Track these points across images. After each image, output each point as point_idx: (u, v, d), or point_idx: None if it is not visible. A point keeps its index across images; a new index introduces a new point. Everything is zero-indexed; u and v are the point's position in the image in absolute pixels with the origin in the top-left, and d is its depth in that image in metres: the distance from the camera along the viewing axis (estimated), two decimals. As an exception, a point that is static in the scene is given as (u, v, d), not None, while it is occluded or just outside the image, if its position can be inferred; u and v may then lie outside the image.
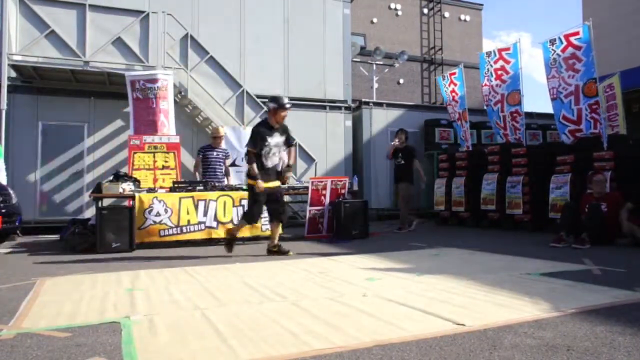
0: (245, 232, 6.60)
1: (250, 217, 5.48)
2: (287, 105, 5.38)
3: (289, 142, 5.52)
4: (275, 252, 5.49)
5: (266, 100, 10.03)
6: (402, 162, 8.28)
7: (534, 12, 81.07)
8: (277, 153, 5.39)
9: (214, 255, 5.52)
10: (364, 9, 20.83)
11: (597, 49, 7.33)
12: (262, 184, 5.20)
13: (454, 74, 9.97)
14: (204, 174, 7.56)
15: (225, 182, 7.51)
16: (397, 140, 8.40)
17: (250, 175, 5.34)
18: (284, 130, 5.48)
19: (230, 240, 5.55)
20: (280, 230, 5.69)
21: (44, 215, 8.81)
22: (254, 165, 5.24)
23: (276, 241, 5.55)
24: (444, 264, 4.61)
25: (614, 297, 3.03)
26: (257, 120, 9.86)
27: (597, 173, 6.38)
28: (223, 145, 8.05)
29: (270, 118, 5.39)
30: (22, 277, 4.15)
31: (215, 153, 7.57)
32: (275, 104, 5.32)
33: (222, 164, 7.63)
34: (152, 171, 7.89)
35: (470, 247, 5.81)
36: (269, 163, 5.35)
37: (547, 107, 37.28)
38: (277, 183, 5.45)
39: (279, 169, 5.45)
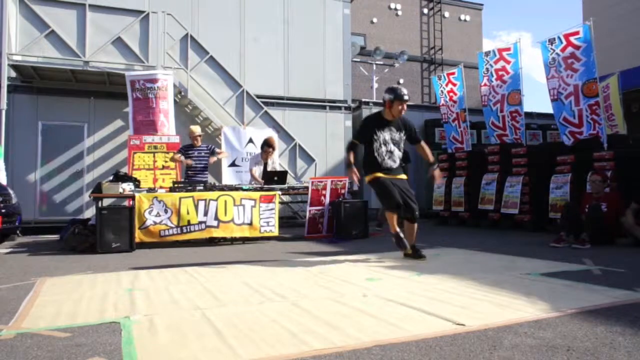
0: (244, 232, 6.61)
1: (391, 204, 4.67)
2: (405, 97, 4.74)
3: (413, 140, 4.98)
4: (410, 255, 4.88)
5: (266, 100, 10.21)
6: None
7: (534, 12, 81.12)
8: (394, 151, 4.82)
9: (214, 255, 5.51)
10: (364, 9, 20.84)
11: (597, 48, 7.32)
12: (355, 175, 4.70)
13: (453, 74, 9.95)
14: (187, 172, 7.49)
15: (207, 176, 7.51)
16: None
17: (366, 170, 4.86)
18: (403, 126, 4.89)
19: (398, 238, 4.77)
20: (415, 229, 4.90)
21: (44, 215, 8.83)
22: (350, 154, 4.78)
23: (413, 240, 4.88)
24: (444, 264, 4.60)
25: (614, 297, 3.02)
26: (257, 120, 9.89)
27: (595, 173, 6.38)
28: (223, 145, 8.06)
29: (385, 111, 4.84)
30: (22, 277, 4.15)
31: (196, 152, 7.47)
32: (392, 95, 4.73)
33: (205, 161, 7.52)
34: (152, 171, 7.91)
35: (470, 247, 5.81)
36: (387, 163, 4.78)
37: (547, 107, 37.28)
38: (403, 176, 4.93)
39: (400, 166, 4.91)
